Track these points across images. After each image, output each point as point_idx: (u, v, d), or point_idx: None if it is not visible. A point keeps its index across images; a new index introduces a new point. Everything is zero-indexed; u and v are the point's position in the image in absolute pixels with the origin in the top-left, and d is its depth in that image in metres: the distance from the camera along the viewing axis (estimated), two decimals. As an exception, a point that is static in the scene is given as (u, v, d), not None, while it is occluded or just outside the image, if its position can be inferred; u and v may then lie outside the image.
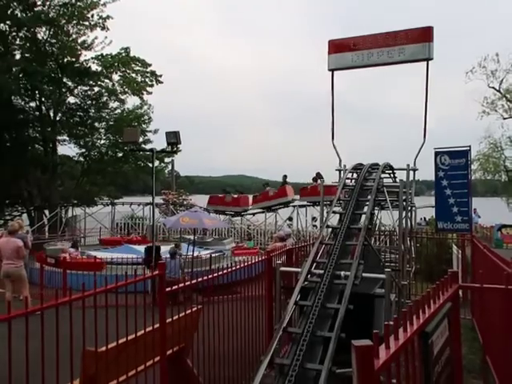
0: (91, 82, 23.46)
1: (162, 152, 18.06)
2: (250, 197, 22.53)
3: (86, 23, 22.45)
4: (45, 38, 22.01)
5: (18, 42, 22.10)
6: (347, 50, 9.10)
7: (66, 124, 23.54)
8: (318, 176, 20.26)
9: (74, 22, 22.18)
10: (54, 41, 22.10)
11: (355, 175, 7.76)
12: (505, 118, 26.91)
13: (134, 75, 25.15)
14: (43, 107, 22.93)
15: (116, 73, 24.62)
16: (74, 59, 22.78)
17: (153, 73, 25.38)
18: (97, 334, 3.43)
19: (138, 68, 25.06)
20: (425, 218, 21.11)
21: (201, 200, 25.85)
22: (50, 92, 21.98)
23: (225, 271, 4.91)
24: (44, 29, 21.79)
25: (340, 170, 8.63)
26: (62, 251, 13.06)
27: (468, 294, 7.61)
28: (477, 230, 18.64)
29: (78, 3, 21.86)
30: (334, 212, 6.60)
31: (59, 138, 23.81)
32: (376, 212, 8.37)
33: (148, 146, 22.50)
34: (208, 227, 15.53)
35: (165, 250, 11.60)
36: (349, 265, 5.15)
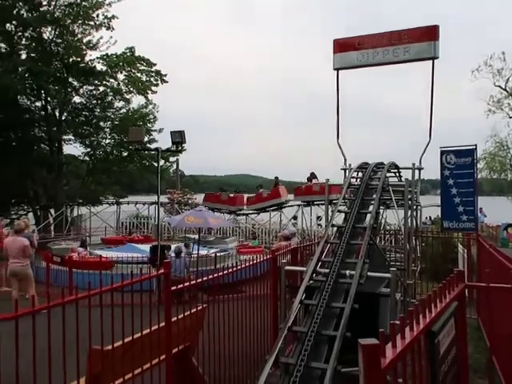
0: (96, 82, 23.56)
1: (167, 151, 18.12)
2: (246, 196, 22.72)
3: (92, 23, 22.54)
4: (50, 37, 22.12)
5: (23, 42, 22.22)
6: (352, 49, 9.07)
7: (72, 123, 23.65)
8: (313, 176, 20.55)
9: (80, 21, 22.27)
10: (59, 41, 22.20)
11: (360, 174, 7.75)
12: (511, 117, 26.77)
13: (138, 75, 25.22)
14: (49, 107, 23.05)
15: (121, 72, 24.70)
16: (79, 59, 22.87)
17: (158, 72, 25.43)
18: (103, 332, 3.45)
19: (142, 67, 25.13)
20: (430, 217, 21.04)
21: (205, 199, 25.86)
22: (56, 92, 22.08)
23: (230, 270, 4.91)
24: (49, 29, 21.90)
25: (345, 169, 8.61)
26: (71, 250, 13.15)
27: (474, 293, 7.58)
28: (482, 230, 18.55)
29: (84, 3, 21.96)
30: (340, 211, 6.59)
31: (65, 137, 23.95)
32: (381, 211, 8.35)
33: (153, 146, 22.57)
34: (213, 226, 15.56)
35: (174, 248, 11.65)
36: (354, 264, 5.14)
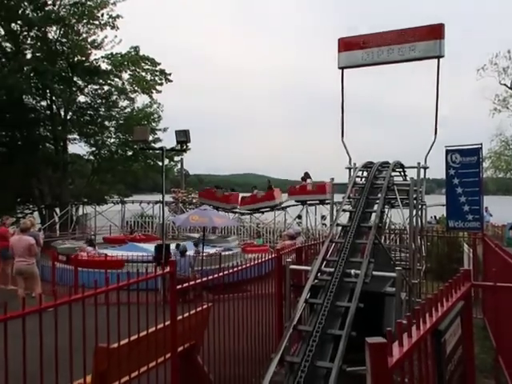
0: (101, 81, 23.62)
1: (172, 151, 18.11)
2: (241, 196, 22.91)
3: (96, 22, 22.60)
4: (55, 37, 22.20)
5: (29, 42, 22.28)
6: (357, 48, 9.05)
7: (77, 123, 23.74)
8: (307, 176, 20.78)
9: (85, 21, 22.33)
10: (64, 40, 22.27)
11: (365, 173, 7.73)
12: (517, 116, 26.60)
13: (143, 74, 25.27)
14: (54, 106, 23.13)
15: (126, 71, 24.75)
16: (84, 58, 22.93)
17: (162, 71, 25.47)
18: (109, 330, 3.46)
19: (147, 67, 25.18)
20: (435, 217, 20.97)
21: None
22: (61, 91, 22.14)
23: (234, 269, 4.92)
24: (54, 28, 21.97)
25: (350, 169, 8.59)
26: (80, 250, 13.22)
27: (479, 292, 7.55)
28: (488, 229, 18.46)
29: (88, 2, 22.03)
30: (344, 210, 6.58)
31: (70, 136, 24.05)
32: (386, 210, 8.33)
33: (157, 145, 22.61)
34: (218, 225, 15.56)
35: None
36: (359, 263, 5.13)
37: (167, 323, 4.02)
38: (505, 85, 26.59)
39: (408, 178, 8.09)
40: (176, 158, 28.02)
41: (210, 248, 13.85)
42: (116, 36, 23.20)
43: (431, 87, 8.65)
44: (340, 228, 6.26)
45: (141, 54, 24.68)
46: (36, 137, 22.10)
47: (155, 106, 26.14)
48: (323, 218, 19.98)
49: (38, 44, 21.92)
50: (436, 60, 8.52)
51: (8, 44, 21.95)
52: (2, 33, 21.73)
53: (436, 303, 2.38)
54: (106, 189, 25.87)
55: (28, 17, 21.08)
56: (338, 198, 9.00)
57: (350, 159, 8.79)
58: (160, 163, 19.89)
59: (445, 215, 10.08)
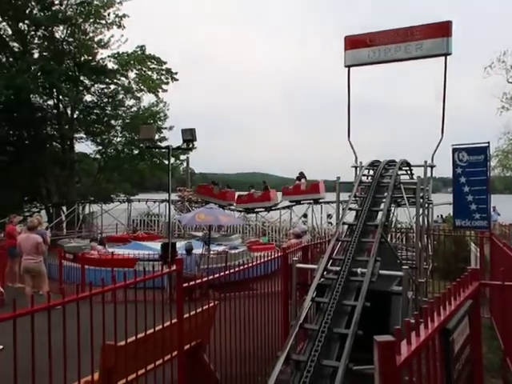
0: (107, 80, 23.73)
1: (178, 149, 18.16)
2: (237, 194, 23.03)
3: (103, 22, 22.74)
4: (62, 36, 22.34)
5: (36, 41, 22.44)
6: (363, 46, 9.00)
7: (83, 122, 23.87)
8: (301, 175, 20.95)
9: (91, 20, 22.45)
10: (71, 39, 22.40)
11: (371, 172, 7.70)
12: (525, 114, 26.35)
13: (149, 73, 25.37)
14: (61, 105, 23.28)
15: (132, 71, 24.87)
16: (90, 57, 23.05)
17: (168, 70, 25.54)
18: (116, 328, 3.48)
19: (153, 66, 25.25)
20: (441, 216, 20.86)
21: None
22: (68, 90, 22.27)
23: (241, 267, 4.93)
24: (61, 28, 22.12)
25: (356, 167, 8.57)
26: (90, 248, 13.28)
27: (487, 292, 7.50)
28: (495, 228, 18.32)
29: (95, 2, 22.15)
30: (351, 209, 6.57)
31: (76, 135, 24.20)
32: (392, 209, 8.30)
33: (164, 144, 22.66)
34: (224, 224, 15.60)
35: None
36: (365, 262, 5.12)
37: (174, 321, 4.04)
38: (513, 83, 26.33)
39: (415, 177, 8.05)
40: (182, 157, 28.12)
41: (215, 246, 13.87)
42: (122, 35, 23.35)
43: (439, 85, 8.61)
44: (346, 227, 6.24)
45: (147, 52, 24.78)
46: (43, 136, 22.24)
47: (161, 104, 26.24)
48: (329, 216, 19.96)
49: (45, 43, 22.07)
50: (443, 58, 8.47)
51: (16, 44, 22.11)
52: (10, 32, 21.90)
53: (444, 302, 2.36)
54: (113, 187, 26.00)
55: (35, 16, 21.22)
56: (344, 196, 9.02)
57: (356, 158, 8.77)
58: (166, 162, 19.97)
59: (451, 214, 10.01)
